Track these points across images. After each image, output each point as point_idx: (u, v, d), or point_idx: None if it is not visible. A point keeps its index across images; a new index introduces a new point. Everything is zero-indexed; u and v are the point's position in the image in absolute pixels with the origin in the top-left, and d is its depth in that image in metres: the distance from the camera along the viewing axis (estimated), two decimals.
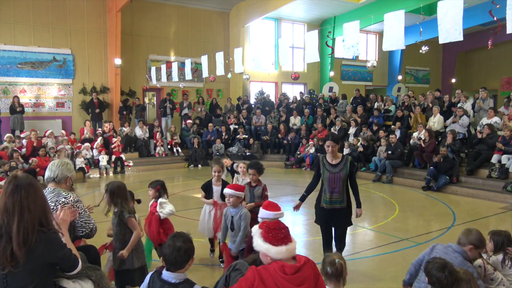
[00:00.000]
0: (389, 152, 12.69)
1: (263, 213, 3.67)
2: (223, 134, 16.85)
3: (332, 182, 5.00)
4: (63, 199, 3.49)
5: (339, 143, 5.13)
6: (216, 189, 5.54)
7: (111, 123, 16.01)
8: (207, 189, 5.60)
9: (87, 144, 14.31)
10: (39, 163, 11.69)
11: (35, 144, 12.89)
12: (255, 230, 2.64)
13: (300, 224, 7.90)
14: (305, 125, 16.53)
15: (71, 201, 3.53)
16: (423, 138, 12.08)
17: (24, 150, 12.64)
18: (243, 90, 20.28)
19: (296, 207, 5.41)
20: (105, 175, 13.95)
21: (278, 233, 2.50)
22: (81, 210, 3.63)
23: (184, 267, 2.75)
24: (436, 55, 26.44)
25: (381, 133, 13.60)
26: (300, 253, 2.69)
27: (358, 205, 5.14)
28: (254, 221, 5.36)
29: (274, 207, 3.73)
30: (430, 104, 14.35)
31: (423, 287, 3.38)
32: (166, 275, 2.75)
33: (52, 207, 3.36)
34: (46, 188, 3.62)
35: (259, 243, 2.56)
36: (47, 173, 3.71)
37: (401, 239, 6.85)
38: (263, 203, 3.87)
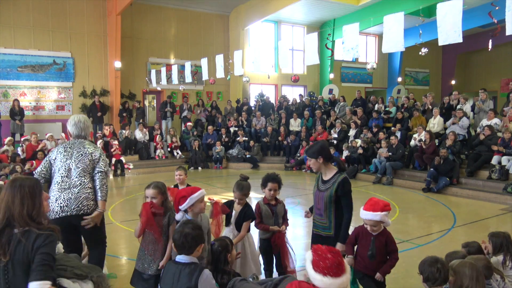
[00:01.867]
0: (390, 153, 12.69)
1: (364, 215, 3.56)
2: (223, 136, 16.87)
3: (316, 201, 4.15)
4: (86, 150, 4.17)
5: (319, 156, 3.98)
6: (234, 213, 4.48)
7: (111, 126, 16.03)
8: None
9: None
10: (37, 167, 11.68)
11: (37, 149, 12.85)
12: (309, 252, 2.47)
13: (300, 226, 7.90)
14: (305, 128, 16.53)
15: (94, 152, 4.20)
16: (423, 140, 12.10)
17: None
18: (243, 93, 20.31)
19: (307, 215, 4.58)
20: None
21: (320, 260, 2.32)
22: (103, 156, 4.31)
23: (193, 252, 2.92)
24: (436, 57, 26.46)
25: (381, 135, 13.62)
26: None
27: (340, 239, 3.93)
28: (274, 248, 4.48)
29: (375, 205, 3.51)
30: (430, 106, 14.37)
31: None
32: (179, 257, 2.95)
33: (80, 155, 4.13)
34: (75, 141, 4.27)
35: (307, 257, 2.44)
36: (75, 131, 4.28)
37: (402, 240, 6.85)
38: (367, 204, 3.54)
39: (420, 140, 12.22)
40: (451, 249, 3.95)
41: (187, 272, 2.85)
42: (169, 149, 16.55)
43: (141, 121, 16.94)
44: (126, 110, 16.96)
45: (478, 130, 12.15)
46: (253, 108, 19.18)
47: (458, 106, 13.45)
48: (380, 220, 3.57)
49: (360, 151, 13.69)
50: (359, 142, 14.03)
